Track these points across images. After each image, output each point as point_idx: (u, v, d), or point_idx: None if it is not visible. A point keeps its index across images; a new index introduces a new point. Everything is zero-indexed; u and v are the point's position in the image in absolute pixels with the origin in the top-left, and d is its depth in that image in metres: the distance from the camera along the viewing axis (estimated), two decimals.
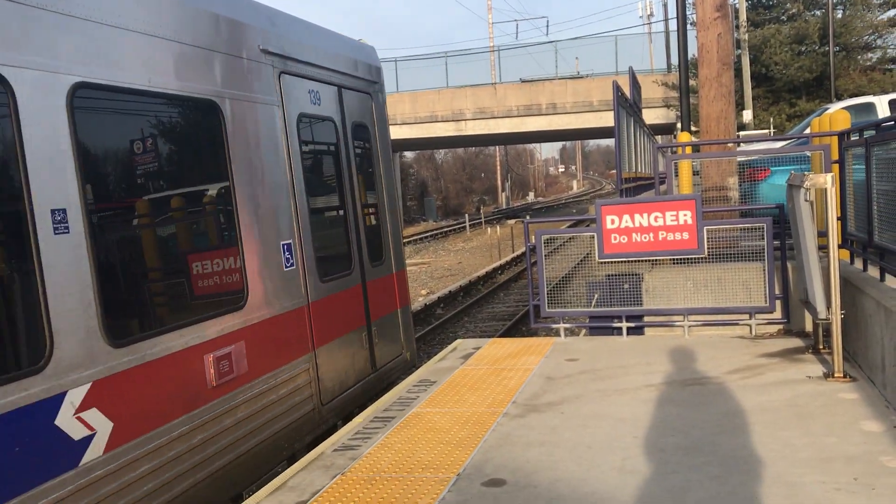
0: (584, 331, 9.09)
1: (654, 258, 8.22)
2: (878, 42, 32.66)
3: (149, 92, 5.13)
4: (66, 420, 4.26)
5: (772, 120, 30.29)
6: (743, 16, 29.95)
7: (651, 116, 33.12)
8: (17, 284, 4.21)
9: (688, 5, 18.30)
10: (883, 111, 14.20)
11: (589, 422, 5.58)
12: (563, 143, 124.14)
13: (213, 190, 5.91)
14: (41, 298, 4.22)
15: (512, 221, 44.27)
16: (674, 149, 12.26)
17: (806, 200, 6.24)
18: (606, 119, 37.50)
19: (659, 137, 35.41)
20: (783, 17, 34.00)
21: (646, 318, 8.40)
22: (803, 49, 31.67)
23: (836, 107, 14.01)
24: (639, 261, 8.30)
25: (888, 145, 6.05)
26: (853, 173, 7.39)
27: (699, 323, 8.19)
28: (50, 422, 4.18)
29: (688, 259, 8.22)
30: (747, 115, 28.59)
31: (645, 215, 7.93)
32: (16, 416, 3.98)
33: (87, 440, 4.37)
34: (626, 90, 11.79)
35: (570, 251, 14.58)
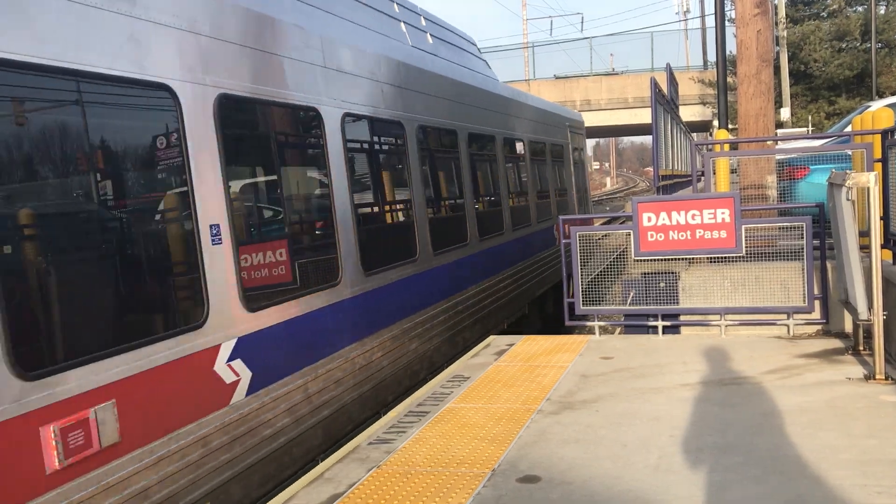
0: (618, 329, 9.04)
1: (691, 256, 8.15)
2: None
3: (546, 143, 14.38)
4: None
5: (810, 118, 29.85)
6: (782, 12, 29.52)
7: (687, 114, 32.78)
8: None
9: (726, 1, 18.06)
10: None
11: (624, 420, 5.56)
12: (597, 139, 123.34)
13: (559, 184, 15.38)
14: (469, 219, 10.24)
15: None
16: (711, 146, 12.13)
17: (847, 199, 6.14)
18: (641, 116, 37.21)
19: (695, 135, 35.02)
20: (823, 14, 33.47)
21: (682, 317, 8.34)
22: (844, 46, 31.16)
23: (878, 104, 13.74)
24: (675, 259, 8.24)
25: None
26: None
27: (736, 322, 8.11)
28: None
29: (725, 258, 8.14)
30: (785, 113, 28.21)
31: (682, 213, 7.86)
32: (459, 264, 9.48)
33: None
34: (664, 87, 11.69)
35: (605, 249, 14.90)
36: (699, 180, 9.53)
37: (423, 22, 10.54)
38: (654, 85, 8.98)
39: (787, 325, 7.90)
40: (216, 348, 5.02)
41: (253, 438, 5.28)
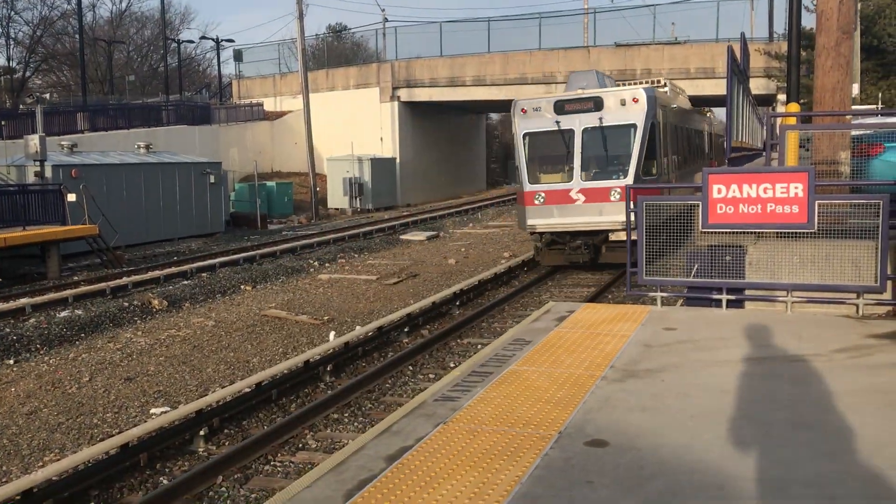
0: (679, 301, 8.94)
1: (760, 230, 8.00)
2: None
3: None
4: None
5: (880, 95, 28.86)
6: None
7: (752, 86, 31.95)
8: None
9: None
10: None
11: (691, 391, 5.52)
12: None
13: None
14: None
15: None
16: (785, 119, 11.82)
17: None
18: (703, 87, 36.35)
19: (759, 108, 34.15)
20: None
21: (747, 292, 8.21)
22: None
23: None
24: (742, 232, 8.09)
25: None
26: None
27: (802, 299, 7.96)
28: None
29: (794, 233, 7.97)
30: (854, 89, 27.31)
31: (754, 186, 7.71)
32: None
33: None
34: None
35: (669, 219, 14.51)
36: (773, 151, 9.31)
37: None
38: (731, 54, 8.76)
39: (857, 305, 7.74)
40: None
41: None
